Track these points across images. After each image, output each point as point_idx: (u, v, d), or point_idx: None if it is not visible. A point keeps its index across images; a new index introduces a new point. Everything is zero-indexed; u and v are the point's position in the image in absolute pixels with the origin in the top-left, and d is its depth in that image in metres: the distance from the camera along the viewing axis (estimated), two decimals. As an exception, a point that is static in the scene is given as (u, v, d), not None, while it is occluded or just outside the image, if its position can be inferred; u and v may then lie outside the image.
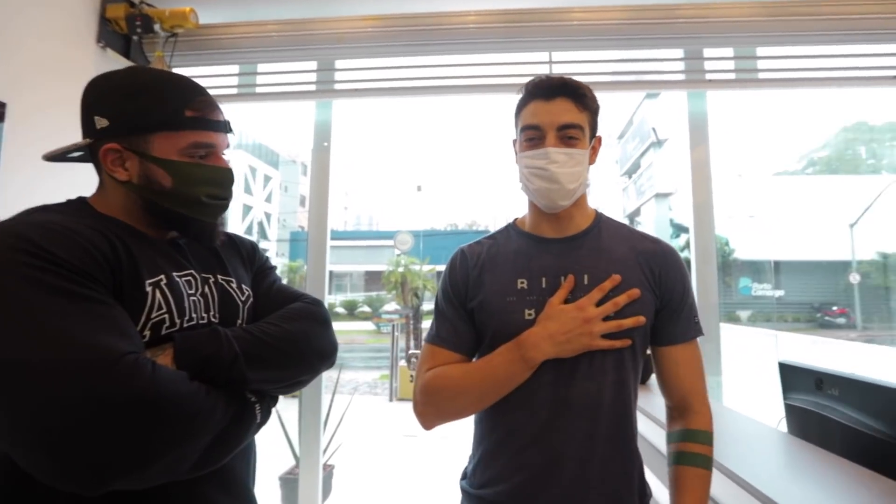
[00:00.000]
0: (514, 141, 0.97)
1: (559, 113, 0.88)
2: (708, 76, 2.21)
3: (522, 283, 0.91)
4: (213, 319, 0.76)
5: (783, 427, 1.28)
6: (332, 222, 2.50)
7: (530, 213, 1.00)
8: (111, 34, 2.06)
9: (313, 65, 2.41)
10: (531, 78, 0.93)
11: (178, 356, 0.64)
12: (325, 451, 2.79)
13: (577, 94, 0.90)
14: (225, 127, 0.80)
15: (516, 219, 1.05)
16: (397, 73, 2.34)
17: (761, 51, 2.20)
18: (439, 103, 2.33)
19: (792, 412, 1.12)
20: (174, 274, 0.72)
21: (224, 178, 0.78)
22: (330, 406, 2.94)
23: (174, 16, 2.06)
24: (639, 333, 0.88)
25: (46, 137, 1.89)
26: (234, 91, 2.45)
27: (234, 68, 2.40)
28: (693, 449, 0.88)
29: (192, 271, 0.76)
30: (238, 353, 0.68)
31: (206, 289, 0.77)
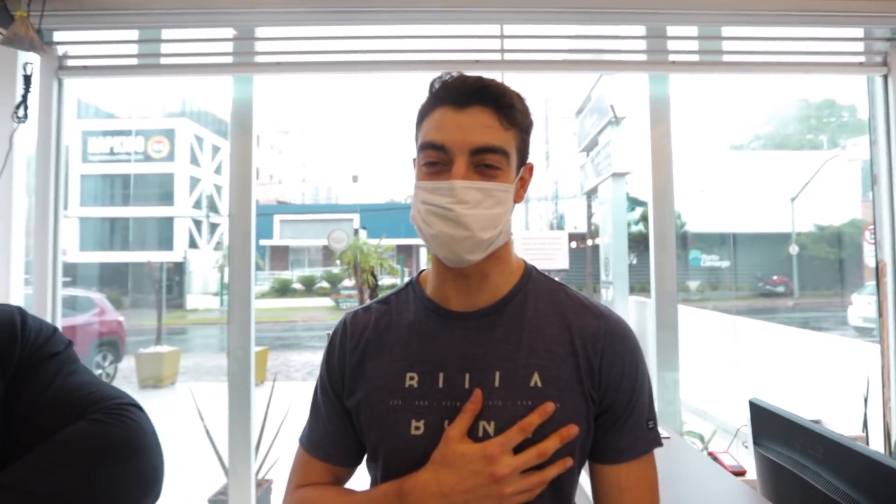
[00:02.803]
0: (415, 160, 0.69)
1: (474, 129, 0.62)
2: (671, 57, 2.03)
3: (412, 379, 0.65)
4: None
5: (744, 458, 1.16)
6: (287, 195, 2.22)
7: (433, 270, 0.72)
8: (-41, -12, 1.66)
9: (229, 32, 2.07)
10: (441, 74, 0.65)
11: None
12: (262, 461, 2.56)
13: (502, 104, 0.63)
14: None
15: (422, 272, 0.76)
16: (327, 45, 2.04)
17: (727, 31, 2.04)
18: (381, 80, 2.10)
19: (764, 464, 0.99)
20: None
21: None
22: (267, 408, 2.69)
23: (38, -34, 1.67)
24: (568, 452, 0.63)
25: None
26: (134, 62, 2.08)
27: (131, 34, 2.02)
28: None
29: None
30: None
31: None
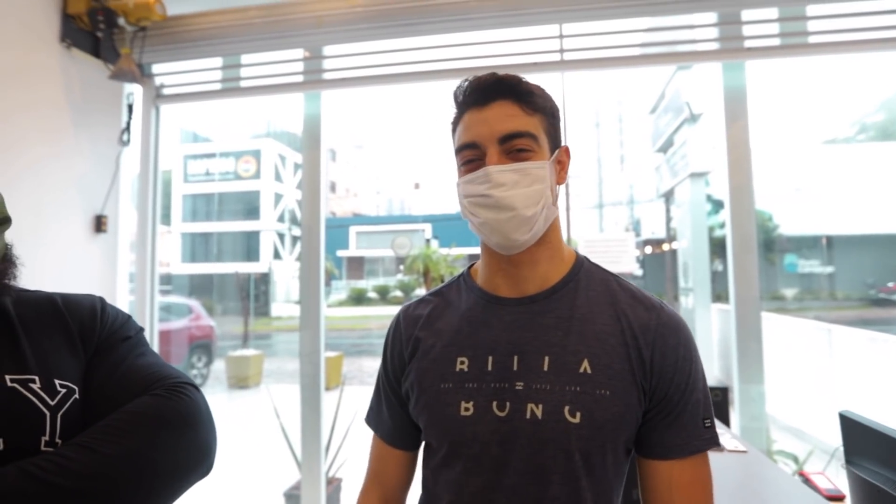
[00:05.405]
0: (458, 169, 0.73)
1: (499, 120, 0.65)
2: (747, 43, 1.88)
3: (462, 362, 0.68)
4: None
5: (843, 480, 1.03)
6: (362, 207, 2.35)
7: (482, 261, 0.75)
8: (76, 32, 1.90)
9: (299, 53, 2.21)
10: (460, 83, 0.70)
11: None
12: (332, 460, 2.66)
13: (520, 92, 0.66)
14: None
15: (472, 265, 0.79)
16: (390, 58, 2.11)
17: (812, 9, 1.86)
18: (443, 88, 2.16)
19: (858, 485, 0.87)
20: None
21: None
22: (336, 411, 2.79)
23: (139, 7, 1.88)
24: (614, 445, 0.63)
25: (14, 145, 1.77)
26: (219, 86, 2.29)
27: (213, 62, 2.22)
28: None
29: None
30: None
31: None
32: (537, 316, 0.68)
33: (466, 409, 0.65)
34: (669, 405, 0.65)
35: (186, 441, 0.60)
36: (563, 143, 0.71)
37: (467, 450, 0.65)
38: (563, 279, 0.70)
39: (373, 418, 0.79)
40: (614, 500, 0.66)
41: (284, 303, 15.40)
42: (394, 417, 0.76)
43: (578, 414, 0.62)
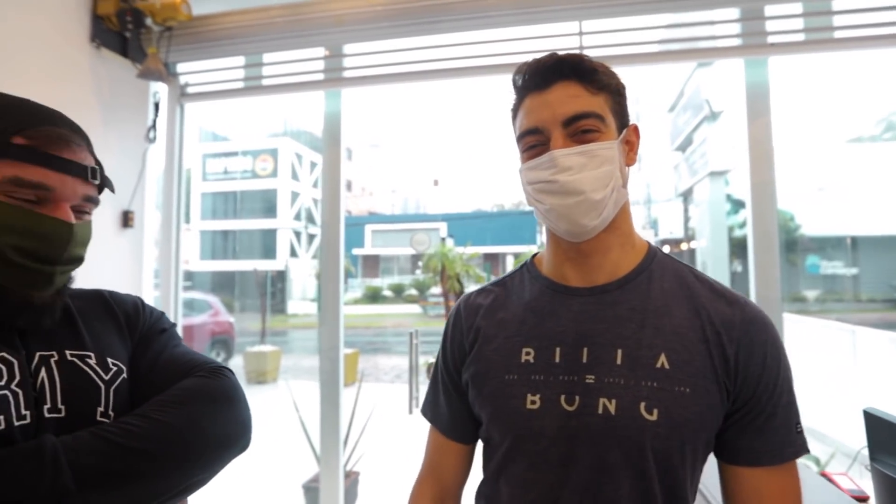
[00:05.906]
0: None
1: (562, 102, 0.61)
2: (770, 39, 1.86)
3: (528, 354, 0.65)
4: (47, 415, 0.56)
5: (867, 483, 1.02)
6: (378, 206, 2.37)
7: (548, 249, 0.72)
8: (105, 32, 1.96)
9: (320, 52, 2.24)
10: (519, 68, 0.66)
11: None
12: (350, 454, 2.70)
13: (584, 71, 0.62)
14: (79, 170, 0.59)
15: (536, 254, 0.76)
16: (409, 56, 2.13)
17: (838, 3, 1.83)
18: (461, 86, 2.20)
19: (883, 483, 0.86)
20: None
21: (51, 233, 0.56)
22: (354, 406, 2.83)
23: (165, 8, 1.92)
24: (693, 446, 0.60)
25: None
26: (241, 85, 2.33)
27: (236, 60, 2.26)
28: None
29: (5, 353, 0.55)
30: (68, 484, 0.49)
31: (44, 372, 0.58)
32: (609, 307, 0.64)
33: (533, 403, 0.63)
34: (758, 407, 0.60)
35: (231, 415, 0.65)
36: (630, 122, 0.67)
37: (533, 445, 0.63)
38: (636, 269, 0.67)
39: (429, 409, 0.78)
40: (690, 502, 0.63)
41: (300, 300, 15.54)
42: (452, 409, 0.74)
43: (655, 411, 0.58)
